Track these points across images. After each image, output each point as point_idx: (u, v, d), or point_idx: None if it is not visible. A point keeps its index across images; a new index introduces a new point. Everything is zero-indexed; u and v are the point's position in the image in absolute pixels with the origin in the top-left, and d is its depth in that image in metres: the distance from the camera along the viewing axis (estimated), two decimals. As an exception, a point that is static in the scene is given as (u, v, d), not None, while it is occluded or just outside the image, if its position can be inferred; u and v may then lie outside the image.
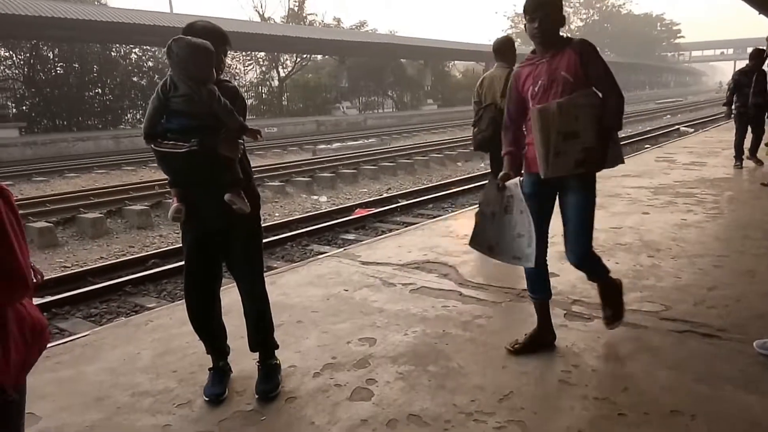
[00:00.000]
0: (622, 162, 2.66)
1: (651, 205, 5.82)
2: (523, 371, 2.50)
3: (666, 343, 2.73)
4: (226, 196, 2.22)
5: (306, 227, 6.96)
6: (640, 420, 2.10)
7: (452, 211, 7.34)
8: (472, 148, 4.76)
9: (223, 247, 2.39)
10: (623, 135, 18.00)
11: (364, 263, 4.26)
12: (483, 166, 13.51)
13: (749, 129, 8.00)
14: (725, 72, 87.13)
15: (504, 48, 4.44)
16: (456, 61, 48.56)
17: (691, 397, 2.23)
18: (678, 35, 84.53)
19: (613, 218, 5.34)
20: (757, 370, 2.38)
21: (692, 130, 17.01)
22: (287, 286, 3.81)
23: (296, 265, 4.45)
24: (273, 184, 10.42)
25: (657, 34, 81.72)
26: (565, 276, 3.76)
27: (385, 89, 39.72)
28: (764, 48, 7.42)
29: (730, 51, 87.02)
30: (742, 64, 8.23)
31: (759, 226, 4.80)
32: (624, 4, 76.53)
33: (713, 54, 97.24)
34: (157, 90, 2.21)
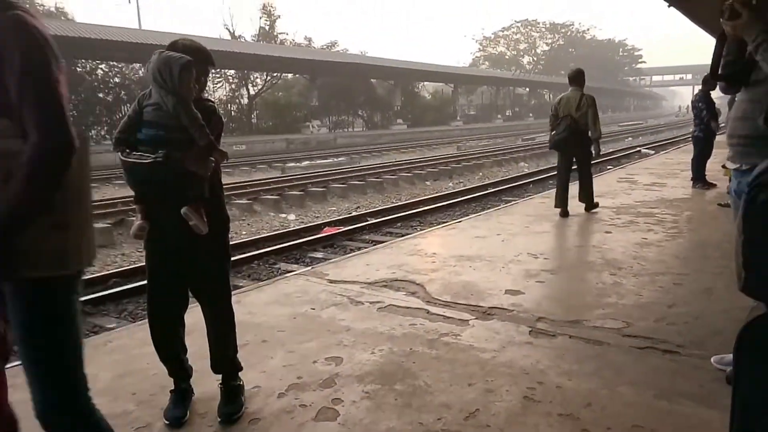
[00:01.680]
0: None
1: (613, 224, 5.97)
2: (489, 389, 2.51)
3: (628, 359, 2.78)
4: (183, 210, 2.17)
5: (273, 245, 6.89)
6: (602, 436, 2.12)
7: (420, 230, 7.37)
8: (548, 147, 7.06)
9: (187, 268, 2.34)
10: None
11: (331, 281, 4.23)
12: (451, 185, 13.66)
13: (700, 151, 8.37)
14: (684, 97, 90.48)
15: (577, 76, 6.60)
16: (426, 82, 49.29)
17: (652, 413, 2.27)
18: (639, 60, 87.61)
19: (576, 237, 5.46)
20: (715, 386, 2.44)
21: (653, 152, 17.56)
22: (253, 305, 3.76)
23: (263, 284, 4.40)
24: (240, 202, 10.31)
25: (620, 58, 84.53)
26: (530, 293, 3.81)
27: (356, 109, 39.96)
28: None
29: (689, 76, 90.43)
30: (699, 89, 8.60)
31: (717, 246, 4.96)
32: (588, 29, 79.14)
33: (673, 79, 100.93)
34: (137, 98, 2.20)
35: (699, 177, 8.45)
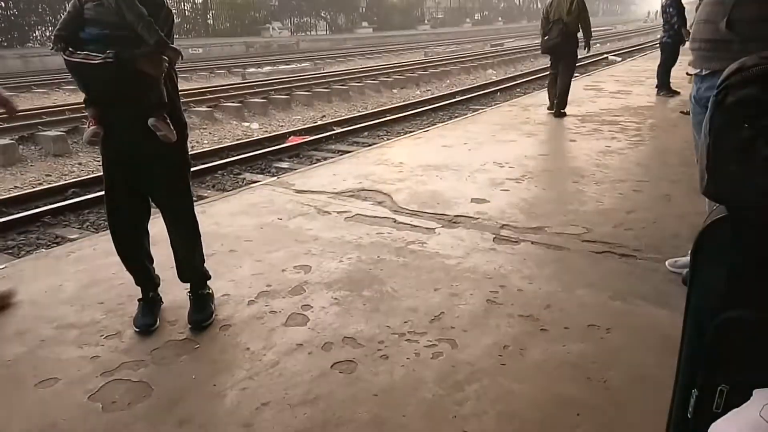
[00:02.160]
0: None
1: (578, 132, 6.01)
2: (454, 293, 2.60)
3: (586, 263, 2.90)
4: (150, 121, 2.08)
5: (237, 155, 6.74)
6: (560, 334, 2.25)
7: (387, 139, 7.31)
8: (540, 51, 7.21)
9: (147, 177, 2.26)
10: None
11: (298, 191, 4.20)
12: (418, 93, 13.41)
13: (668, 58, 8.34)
14: (652, 2, 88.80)
15: None
16: (392, -18, 46.88)
17: (607, 313, 2.40)
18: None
19: (542, 146, 5.49)
20: (669, 288, 2.57)
21: (620, 59, 17.43)
22: (219, 215, 3.72)
23: (228, 194, 4.34)
24: (200, 109, 9.91)
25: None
26: (495, 202, 3.87)
27: (318, 10, 38.01)
28: None
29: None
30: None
31: (677, 153, 5.07)
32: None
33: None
34: None
35: (663, 84, 8.48)
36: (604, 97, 8.44)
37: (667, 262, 2.78)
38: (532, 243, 3.15)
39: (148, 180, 2.27)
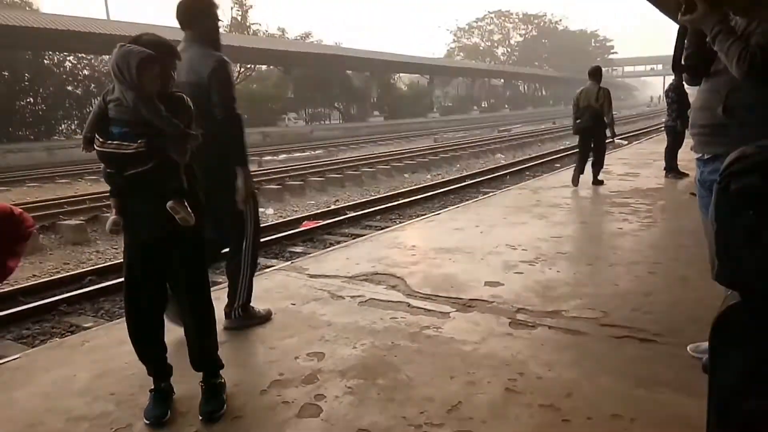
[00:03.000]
0: None
1: (590, 214, 6.05)
2: (471, 381, 2.53)
3: (606, 348, 2.83)
4: (168, 204, 2.14)
5: (252, 240, 6.83)
6: (583, 425, 2.16)
7: (400, 222, 7.39)
8: (572, 132, 8.84)
9: (165, 262, 2.31)
10: (562, 147, 18.68)
11: (311, 276, 4.22)
12: (429, 177, 13.70)
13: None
14: (655, 87, 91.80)
15: (596, 72, 7.94)
16: (401, 74, 49.21)
17: (630, 401, 2.32)
18: (611, 51, 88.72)
19: (554, 228, 5.51)
20: (692, 374, 2.48)
21: (626, 142, 17.81)
22: (233, 301, 3.72)
23: (242, 280, 4.35)
24: (217, 196, 10.18)
25: (592, 50, 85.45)
26: (509, 285, 3.85)
27: (332, 101, 39.75)
28: None
29: (659, 67, 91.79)
30: (670, 79, 8.77)
31: (690, 234, 5.06)
32: (560, 20, 79.84)
33: (644, 69, 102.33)
34: (102, 94, 2.17)
35: (672, 167, 8.61)
36: (613, 180, 8.56)
37: (689, 347, 2.71)
38: (549, 327, 3.10)
39: (166, 265, 2.31)
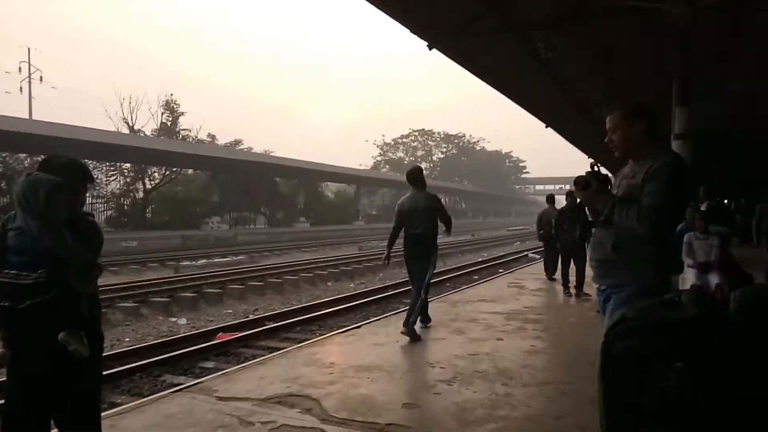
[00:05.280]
0: None
1: (504, 330, 6.20)
2: None
3: (520, 477, 2.79)
4: (60, 336, 2.01)
5: (159, 355, 6.41)
6: None
7: (320, 334, 7.23)
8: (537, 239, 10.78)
9: (53, 396, 2.11)
10: (480, 259, 19.39)
11: (220, 398, 3.97)
12: (352, 286, 13.67)
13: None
14: (561, 202, 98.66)
15: (550, 201, 9.95)
16: (329, 182, 50.51)
17: None
18: (524, 171, 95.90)
19: (471, 344, 5.58)
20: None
21: (538, 256, 18.78)
22: (130, 429, 3.40)
23: (144, 402, 4.02)
24: (126, 305, 9.59)
25: (506, 169, 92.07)
26: (427, 407, 3.79)
27: (258, 206, 39.78)
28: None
29: (567, 186, 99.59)
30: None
31: (598, 353, 5.26)
32: (478, 141, 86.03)
33: (553, 188, 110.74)
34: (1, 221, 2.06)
35: (581, 284, 9.06)
36: (526, 295, 8.90)
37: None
38: (465, 455, 3.04)
39: (53, 400, 2.11)
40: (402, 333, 5.73)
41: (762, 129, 13.24)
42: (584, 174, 2.55)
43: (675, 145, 6.89)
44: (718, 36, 7.12)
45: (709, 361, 0.91)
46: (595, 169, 2.55)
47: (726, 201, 24.60)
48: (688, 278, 6.39)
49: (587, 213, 2.76)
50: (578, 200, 2.70)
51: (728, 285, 6.09)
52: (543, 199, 11.15)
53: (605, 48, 8.08)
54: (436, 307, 7.95)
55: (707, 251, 6.45)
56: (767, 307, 1.01)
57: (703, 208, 8.92)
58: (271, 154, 43.32)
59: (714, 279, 6.24)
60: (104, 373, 5.71)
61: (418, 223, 5.92)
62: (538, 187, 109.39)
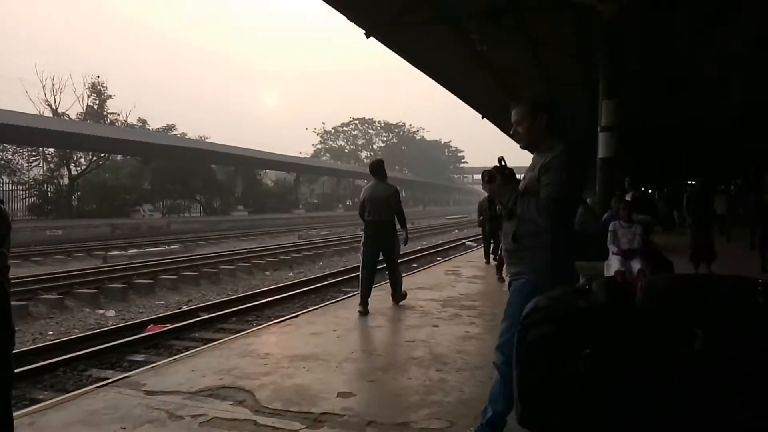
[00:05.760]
0: None
1: (440, 317, 6.31)
2: None
3: (451, 461, 2.85)
4: None
5: (85, 349, 6.12)
6: None
7: (256, 325, 7.11)
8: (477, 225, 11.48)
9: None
10: (420, 248, 19.66)
11: (148, 393, 3.83)
12: (291, 275, 13.53)
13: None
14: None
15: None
16: (268, 170, 49.63)
17: None
18: (462, 160, 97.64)
19: (407, 332, 5.65)
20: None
21: (475, 244, 19.23)
22: (50, 427, 3.23)
23: (66, 398, 3.82)
24: (49, 297, 9.11)
25: (446, 158, 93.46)
26: (362, 395, 3.81)
27: (193, 193, 38.57)
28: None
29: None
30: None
31: (527, 337, 5.45)
32: (418, 131, 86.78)
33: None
34: None
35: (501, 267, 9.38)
36: (462, 282, 9.09)
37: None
38: (398, 441, 3.07)
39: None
40: (398, 305, 6.92)
41: (683, 123, 14.07)
42: (490, 168, 2.67)
43: (602, 137, 7.21)
44: (643, 34, 7.48)
45: (616, 348, 0.95)
46: (502, 164, 2.68)
47: (650, 191, 26.05)
48: (612, 264, 6.72)
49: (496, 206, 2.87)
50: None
51: (650, 270, 6.46)
52: (480, 188, 11.50)
53: (539, 41, 8.31)
54: (375, 296, 7.99)
55: (631, 239, 6.80)
56: (674, 296, 1.06)
57: (627, 197, 9.39)
58: (207, 140, 42.04)
59: (636, 265, 6.58)
60: (25, 368, 5.43)
61: (379, 210, 6.70)
62: (476, 176, 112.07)
